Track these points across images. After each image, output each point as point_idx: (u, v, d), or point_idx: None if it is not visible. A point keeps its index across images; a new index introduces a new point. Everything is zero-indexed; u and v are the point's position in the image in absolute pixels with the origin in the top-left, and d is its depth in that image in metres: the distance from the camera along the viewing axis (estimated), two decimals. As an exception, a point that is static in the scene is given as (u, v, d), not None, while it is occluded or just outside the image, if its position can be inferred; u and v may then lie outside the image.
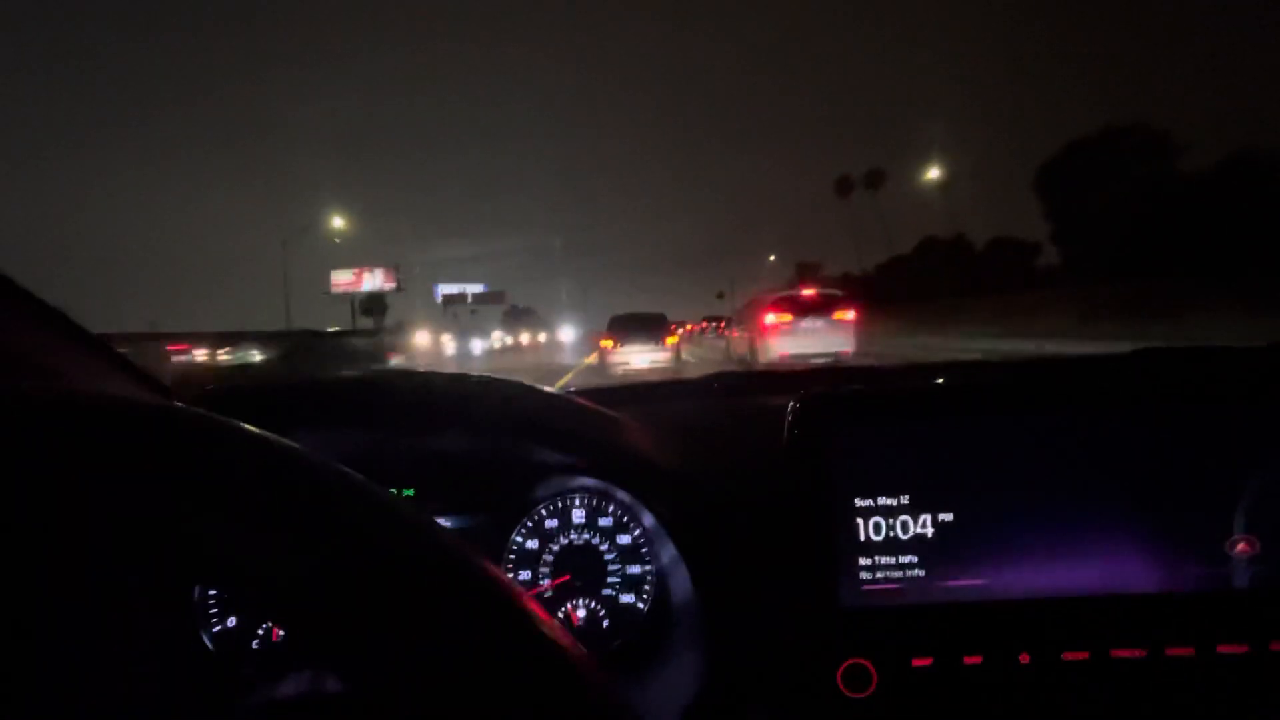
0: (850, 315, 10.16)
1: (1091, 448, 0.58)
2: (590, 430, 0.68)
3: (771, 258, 68.42)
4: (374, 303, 41.12)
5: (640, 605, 0.70)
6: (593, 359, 13.58)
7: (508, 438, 0.66)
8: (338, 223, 28.98)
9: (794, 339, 9.96)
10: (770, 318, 10.19)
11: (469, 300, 43.68)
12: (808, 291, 10.64)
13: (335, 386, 0.68)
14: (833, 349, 9.77)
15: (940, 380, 0.77)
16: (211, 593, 0.67)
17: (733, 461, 0.69)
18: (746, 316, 12.28)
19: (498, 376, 0.68)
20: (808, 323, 10.05)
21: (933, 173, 37.64)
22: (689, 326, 44.58)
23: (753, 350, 10.81)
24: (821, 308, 10.17)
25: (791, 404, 0.63)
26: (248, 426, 0.27)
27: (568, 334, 35.41)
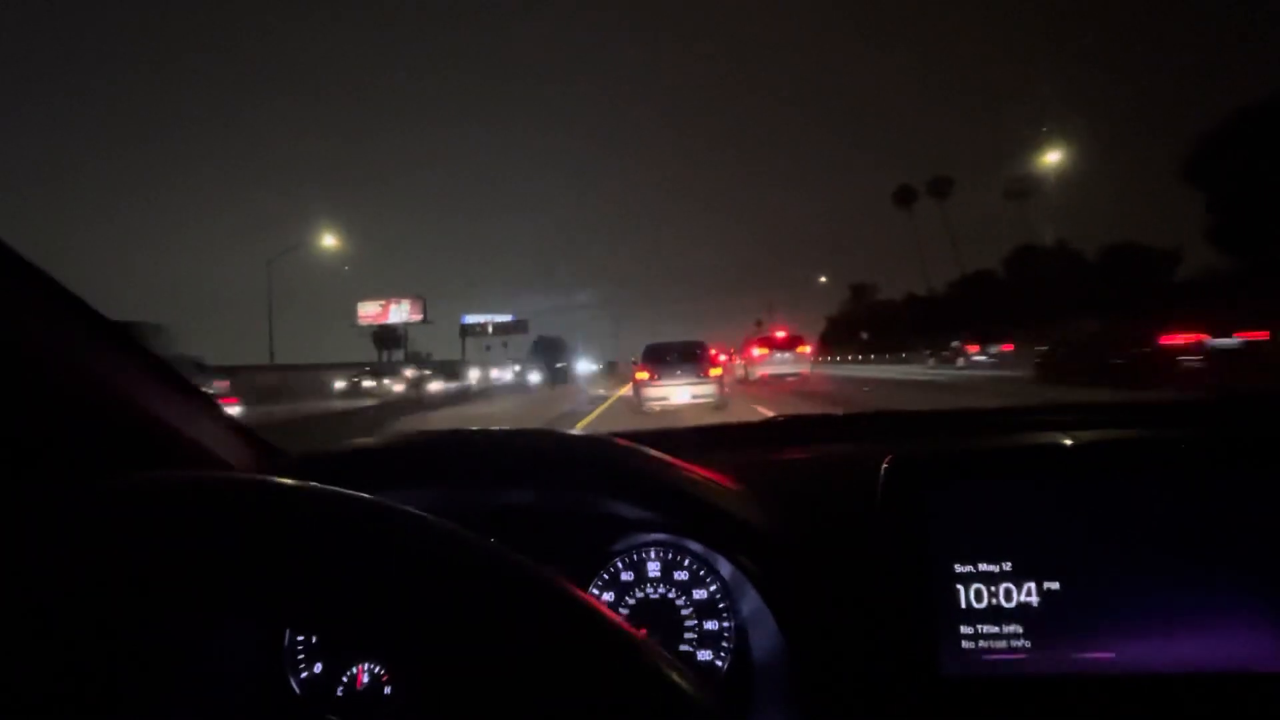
0: (808, 350, 16.79)
1: (1210, 507, 0.54)
2: (665, 483, 0.66)
3: (822, 279, 62.79)
4: (388, 335, 38.52)
5: (719, 663, 0.68)
6: (625, 390, 13.76)
7: (583, 492, 0.66)
8: (329, 241, 26.25)
9: (770, 365, 16.05)
10: (754, 351, 16.57)
11: (490, 331, 40.59)
12: (780, 333, 17.23)
13: (416, 445, 0.69)
14: (795, 370, 15.93)
15: (1037, 431, 0.70)
16: (300, 639, 0.69)
17: (815, 514, 0.67)
18: (743, 349, 18.60)
19: (575, 432, 0.70)
20: (778, 355, 16.39)
21: (1049, 157, 31.17)
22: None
23: (745, 371, 16.84)
24: (788, 344, 16.65)
25: (884, 464, 0.61)
26: (334, 488, 0.29)
27: (534, 377, 24.66)
